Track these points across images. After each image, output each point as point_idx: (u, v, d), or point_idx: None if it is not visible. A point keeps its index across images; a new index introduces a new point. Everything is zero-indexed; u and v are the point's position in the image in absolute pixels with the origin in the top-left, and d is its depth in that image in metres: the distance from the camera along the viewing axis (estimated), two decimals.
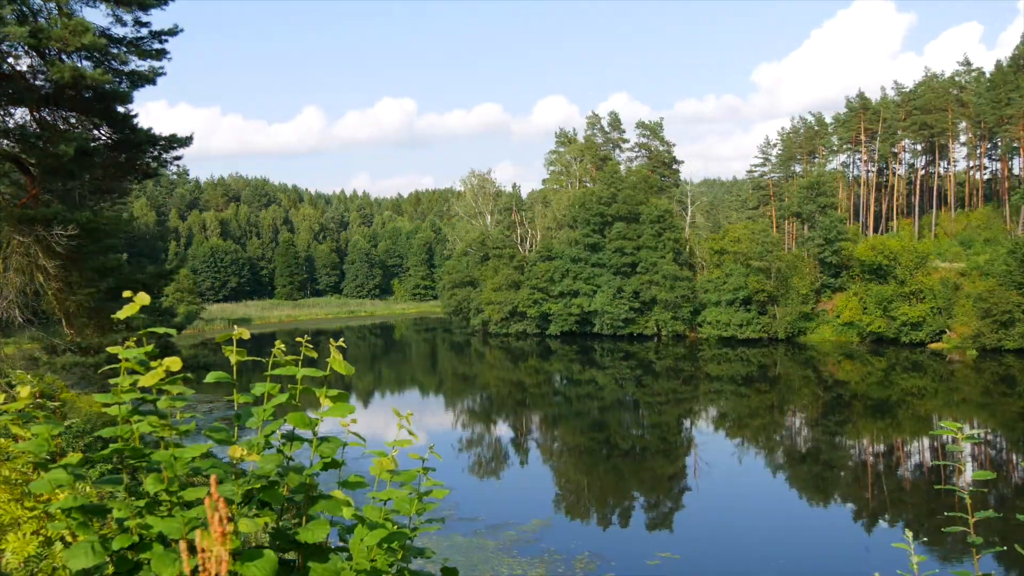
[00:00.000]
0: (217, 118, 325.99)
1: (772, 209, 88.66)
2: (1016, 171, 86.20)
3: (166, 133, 19.45)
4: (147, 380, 2.42)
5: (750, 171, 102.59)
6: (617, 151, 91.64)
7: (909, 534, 3.40)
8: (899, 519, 21.73)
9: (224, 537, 1.57)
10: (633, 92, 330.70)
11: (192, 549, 2.25)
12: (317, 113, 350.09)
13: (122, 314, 2.56)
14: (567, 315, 71.32)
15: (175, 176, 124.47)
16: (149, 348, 2.53)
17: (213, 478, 1.75)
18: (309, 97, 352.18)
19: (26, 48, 16.52)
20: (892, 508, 22.94)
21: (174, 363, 2.45)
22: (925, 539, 19.91)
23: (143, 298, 2.54)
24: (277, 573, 2.17)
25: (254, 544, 2.64)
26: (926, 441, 31.72)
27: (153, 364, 2.46)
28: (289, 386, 2.71)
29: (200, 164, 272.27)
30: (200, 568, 1.59)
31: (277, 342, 2.66)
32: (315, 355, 2.71)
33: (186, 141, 19.86)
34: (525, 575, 16.90)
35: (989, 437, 31.25)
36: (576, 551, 18.39)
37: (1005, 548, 3.86)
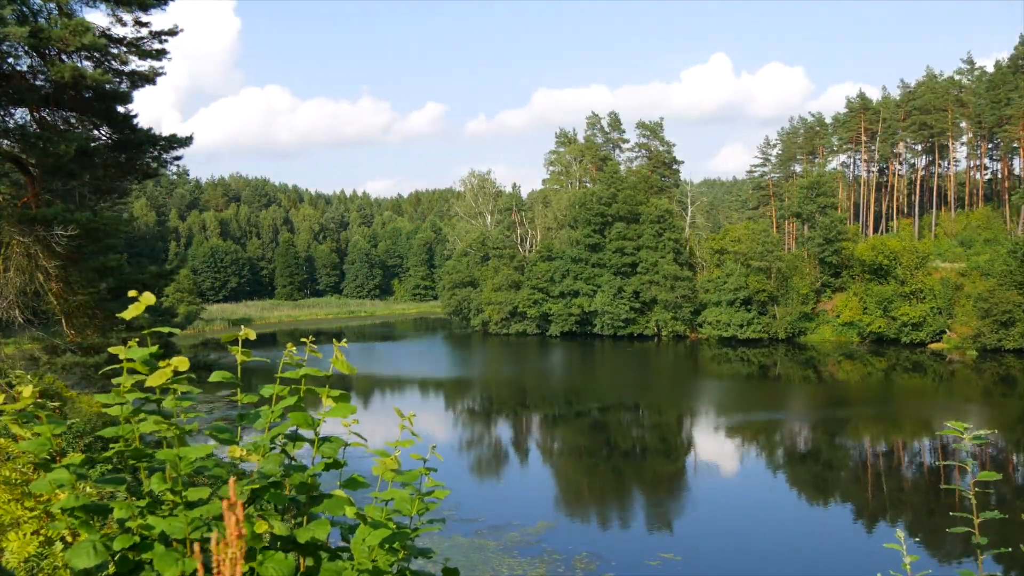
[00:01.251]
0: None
1: (772, 209, 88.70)
2: (1016, 171, 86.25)
3: (166, 133, 19.46)
4: (154, 380, 2.42)
5: (750, 171, 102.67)
6: (617, 151, 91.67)
7: (901, 534, 3.39)
8: (899, 519, 21.74)
9: (240, 539, 1.57)
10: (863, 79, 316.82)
11: (200, 549, 2.25)
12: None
13: (128, 314, 2.55)
14: (567, 315, 71.32)
15: (175, 176, 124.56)
16: (154, 349, 2.52)
17: (232, 480, 1.75)
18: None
19: (26, 48, 16.51)
20: (892, 508, 22.94)
21: (182, 363, 2.45)
22: (927, 540, 19.93)
23: (148, 298, 2.54)
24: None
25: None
26: (927, 441, 31.72)
27: (161, 364, 2.46)
28: (293, 387, 2.71)
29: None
30: (215, 569, 1.59)
31: (289, 344, 2.67)
32: (319, 355, 2.71)
33: (186, 141, 19.85)
34: (525, 575, 16.90)
35: (992, 438, 31.25)
36: (576, 551, 18.38)
37: (1010, 549, 3.84)
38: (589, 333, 71.59)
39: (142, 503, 2.40)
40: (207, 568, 1.77)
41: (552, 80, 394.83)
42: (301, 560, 2.46)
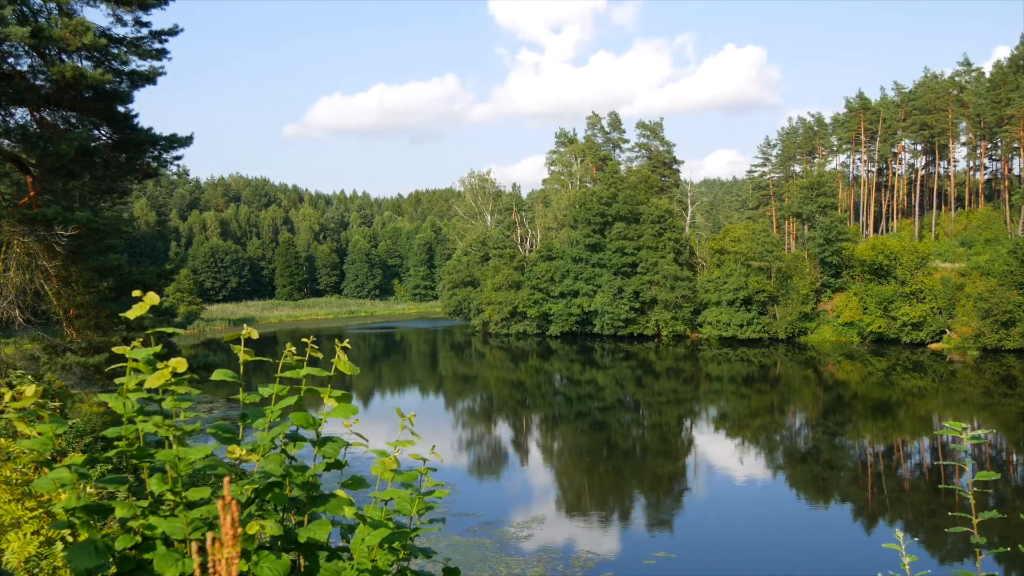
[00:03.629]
0: None
1: (772, 209, 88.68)
2: (1016, 171, 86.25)
3: (166, 133, 19.48)
4: (153, 381, 2.42)
5: (750, 171, 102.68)
6: (617, 151, 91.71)
7: (900, 534, 3.39)
8: (899, 519, 21.73)
9: (235, 539, 1.57)
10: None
11: (197, 549, 2.26)
12: None
13: (132, 314, 2.56)
14: (567, 315, 71.29)
15: (175, 176, 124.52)
16: (157, 348, 2.53)
17: (226, 480, 1.75)
18: None
19: (26, 48, 16.53)
20: (892, 508, 22.94)
21: (180, 364, 2.45)
22: (927, 540, 19.92)
23: (152, 298, 2.55)
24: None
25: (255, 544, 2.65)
26: (927, 441, 31.72)
27: (159, 365, 2.47)
28: (295, 387, 2.72)
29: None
30: (211, 570, 1.59)
31: (288, 344, 2.67)
32: (320, 355, 2.71)
33: (186, 141, 19.87)
34: (523, 574, 16.91)
35: (991, 438, 31.24)
36: (575, 551, 18.39)
37: (1008, 549, 3.85)
38: (589, 333, 71.57)
39: (144, 503, 2.40)
40: (203, 569, 1.76)
41: None
42: (301, 560, 2.47)
